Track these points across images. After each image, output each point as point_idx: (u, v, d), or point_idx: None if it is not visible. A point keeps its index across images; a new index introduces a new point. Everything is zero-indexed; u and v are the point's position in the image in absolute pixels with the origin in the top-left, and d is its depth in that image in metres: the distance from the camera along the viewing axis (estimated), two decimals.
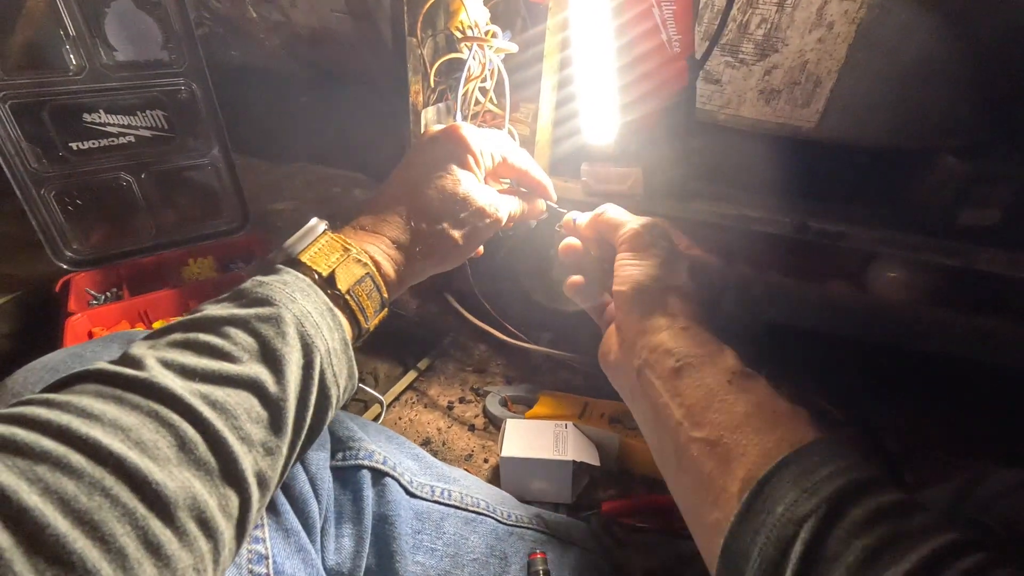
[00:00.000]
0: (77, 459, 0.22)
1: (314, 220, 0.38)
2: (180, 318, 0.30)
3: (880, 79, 0.56)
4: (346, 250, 0.36)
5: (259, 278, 0.33)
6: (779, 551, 0.25)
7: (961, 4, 0.53)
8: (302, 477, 0.39)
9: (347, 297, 0.35)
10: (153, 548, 0.22)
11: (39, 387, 0.34)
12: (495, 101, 0.65)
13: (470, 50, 0.59)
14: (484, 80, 0.63)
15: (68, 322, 0.73)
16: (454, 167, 0.41)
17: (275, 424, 0.29)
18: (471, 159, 0.42)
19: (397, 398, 0.78)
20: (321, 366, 0.31)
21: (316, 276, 0.35)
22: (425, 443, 0.72)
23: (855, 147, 0.60)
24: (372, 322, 0.38)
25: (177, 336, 0.29)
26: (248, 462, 0.27)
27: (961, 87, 0.58)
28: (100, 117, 0.81)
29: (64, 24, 0.75)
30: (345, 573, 0.39)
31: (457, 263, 0.44)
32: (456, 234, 0.41)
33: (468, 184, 0.41)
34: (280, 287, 0.32)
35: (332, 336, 0.33)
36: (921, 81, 0.56)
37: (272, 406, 0.29)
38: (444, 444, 0.72)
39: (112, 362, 0.27)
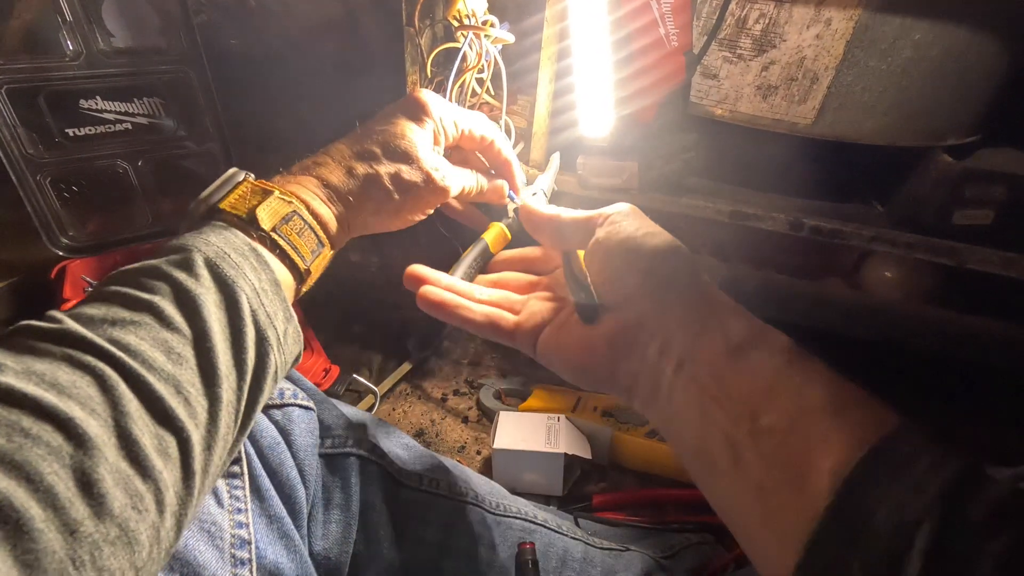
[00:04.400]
0: None
1: (233, 169, 0.37)
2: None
3: (877, 77, 0.55)
4: (267, 192, 0.35)
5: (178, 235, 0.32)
6: (888, 564, 0.21)
7: (959, 3, 0.53)
8: (289, 463, 0.39)
9: (273, 236, 0.34)
10: (84, 486, 0.22)
11: None
12: (492, 92, 0.65)
13: (466, 38, 0.58)
14: (481, 71, 0.62)
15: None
16: (403, 119, 0.40)
17: (203, 366, 0.28)
18: (426, 120, 0.40)
19: (391, 390, 0.79)
20: (251, 306, 0.31)
21: (235, 219, 0.34)
22: (418, 434, 0.72)
23: (851, 144, 0.60)
24: (312, 263, 0.36)
25: (92, 292, 0.29)
26: (175, 402, 0.26)
27: (957, 86, 0.58)
28: (97, 103, 0.81)
29: (61, 9, 0.74)
30: (332, 558, 0.39)
31: (398, 221, 0.42)
32: (391, 184, 0.39)
33: (414, 139, 0.39)
34: (195, 234, 0.31)
35: (258, 276, 0.32)
36: (917, 80, 0.56)
37: (196, 347, 0.28)
38: (437, 435, 0.72)
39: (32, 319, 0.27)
